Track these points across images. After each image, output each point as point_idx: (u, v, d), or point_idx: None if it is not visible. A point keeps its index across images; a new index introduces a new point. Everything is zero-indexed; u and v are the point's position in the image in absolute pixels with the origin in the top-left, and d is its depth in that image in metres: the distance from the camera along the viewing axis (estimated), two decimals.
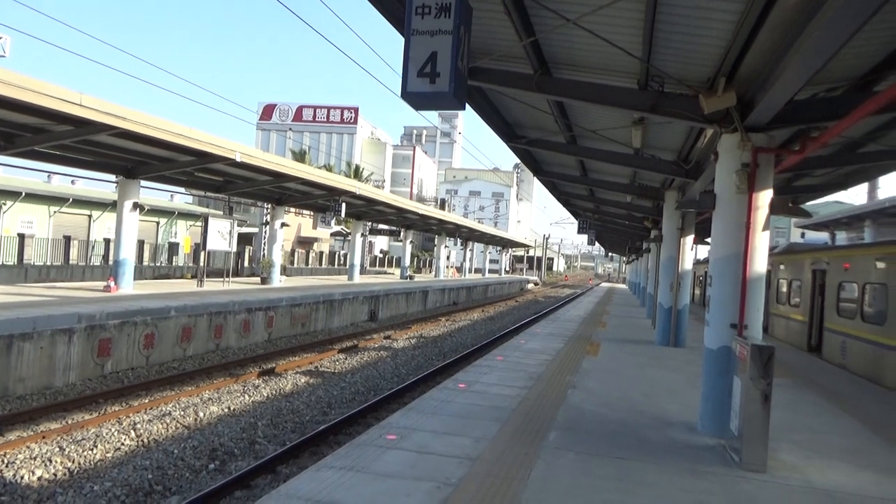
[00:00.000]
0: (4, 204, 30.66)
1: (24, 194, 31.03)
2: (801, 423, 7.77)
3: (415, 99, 4.30)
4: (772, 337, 18.00)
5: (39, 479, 7.27)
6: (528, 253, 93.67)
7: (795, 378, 10.96)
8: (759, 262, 6.61)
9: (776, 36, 5.41)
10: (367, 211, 31.18)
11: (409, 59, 4.25)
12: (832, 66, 5.54)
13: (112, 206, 30.49)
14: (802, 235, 45.84)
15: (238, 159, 16.23)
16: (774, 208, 6.79)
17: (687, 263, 14.46)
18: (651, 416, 7.62)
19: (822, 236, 36.32)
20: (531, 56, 7.04)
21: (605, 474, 5.38)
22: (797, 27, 4.93)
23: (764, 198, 6.60)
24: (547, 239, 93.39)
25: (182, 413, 9.96)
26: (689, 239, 14.41)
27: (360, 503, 4.48)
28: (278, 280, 25.40)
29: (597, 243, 45.75)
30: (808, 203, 16.78)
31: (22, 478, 7.20)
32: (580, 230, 26.49)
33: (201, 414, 10.03)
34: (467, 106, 6.90)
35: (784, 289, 18.09)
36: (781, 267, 18.16)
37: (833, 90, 6.76)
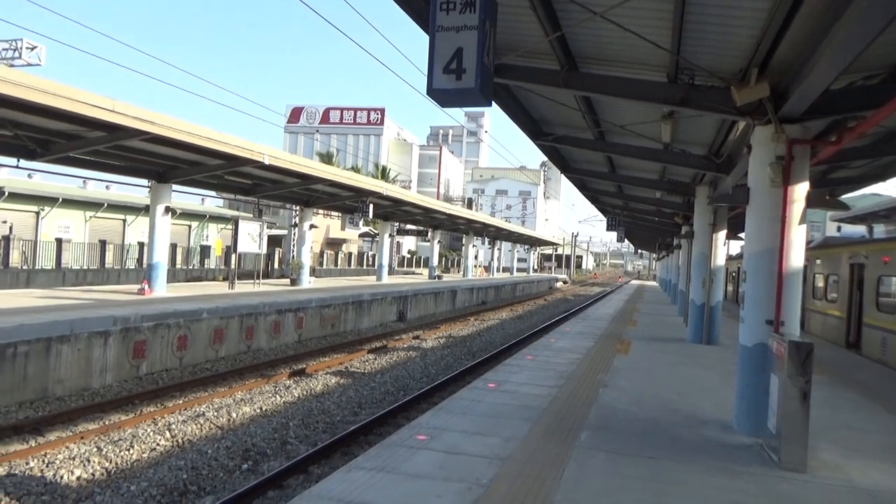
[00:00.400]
0: (42, 210, 31.47)
1: (61, 200, 31.83)
2: (841, 421, 7.57)
3: (441, 96, 4.27)
4: (808, 333, 17.59)
5: (78, 478, 7.42)
6: (556, 251, 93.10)
7: (833, 375, 10.69)
8: (796, 257, 6.45)
9: (809, 25, 5.26)
10: (394, 211, 31.28)
11: (435, 55, 4.22)
12: (868, 53, 5.36)
13: (145, 210, 31.07)
14: (839, 229, 44.71)
15: (266, 162, 16.40)
16: (811, 201, 6.62)
17: (719, 259, 14.20)
18: (684, 414, 7.48)
19: (860, 230, 35.38)
20: (557, 51, 6.96)
21: (638, 474, 5.29)
22: (830, 16, 4.79)
23: (800, 191, 6.43)
24: (575, 237, 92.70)
25: (215, 414, 10.08)
26: (722, 234, 14.15)
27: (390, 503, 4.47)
28: (307, 281, 25.61)
29: (626, 240, 45.26)
30: (844, 196, 16.36)
31: (62, 477, 7.35)
32: (609, 227, 26.22)
33: (234, 415, 10.14)
34: (493, 104, 6.86)
35: (820, 284, 17.67)
36: (817, 262, 17.73)
37: (870, 78, 6.55)
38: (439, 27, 4.22)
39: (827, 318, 16.93)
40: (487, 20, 4.19)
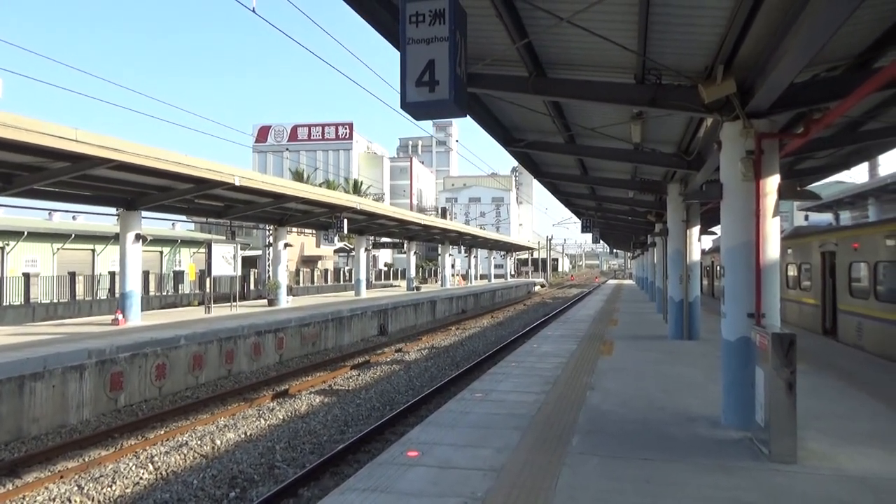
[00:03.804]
0: (7, 244, 30.70)
1: (26, 233, 31.09)
2: (826, 409, 7.65)
3: (415, 109, 4.23)
4: (785, 322, 17.78)
5: None
6: (532, 255, 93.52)
7: (813, 363, 10.83)
8: (772, 249, 6.53)
9: (773, 20, 5.34)
10: (368, 225, 31.14)
11: (407, 69, 4.18)
12: (831, 45, 5.46)
13: (114, 238, 30.50)
14: (806, 218, 45.58)
15: (237, 183, 16.21)
16: (783, 193, 6.71)
17: (695, 255, 14.36)
18: (673, 412, 7.51)
19: (826, 217, 36.14)
20: (525, 58, 6.98)
21: (633, 476, 5.27)
22: (794, 10, 4.87)
23: (771, 184, 6.52)
24: (550, 240, 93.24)
25: (199, 442, 9.87)
26: (696, 230, 14.32)
27: None
28: (285, 301, 25.33)
29: (601, 241, 45.63)
30: (811, 185, 16.67)
31: None
32: (584, 229, 26.39)
33: (218, 442, 9.94)
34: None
35: (793, 273, 17.96)
36: (789, 251, 18.03)
37: (833, 69, 6.68)
38: (409, 40, 4.18)
39: (802, 306, 17.20)
40: (458, 31, 4.17)
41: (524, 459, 5.77)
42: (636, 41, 6.25)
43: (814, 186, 14.17)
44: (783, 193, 6.66)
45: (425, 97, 4.11)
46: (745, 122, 6.40)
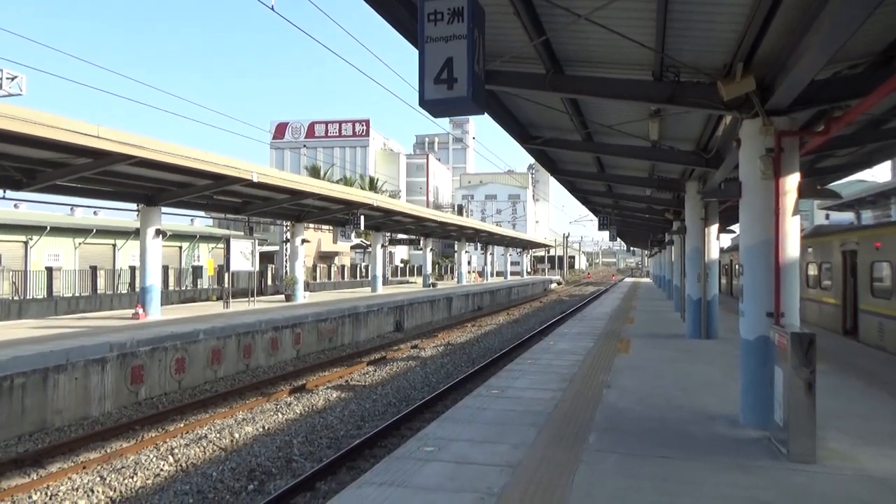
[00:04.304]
0: (31, 239, 31.22)
1: (49, 228, 31.59)
2: (846, 409, 7.58)
3: (433, 107, 4.25)
4: (804, 322, 17.63)
5: None
6: (548, 253, 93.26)
7: (834, 363, 10.73)
8: (792, 248, 6.48)
9: (793, 17, 5.30)
10: (385, 222, 31.25)
11: (425, 67, 4.21)
12: (852, 42, 5.40)
13: (135, 234, 30.86)
14: (827, 217, 45.03)
15: (255, 179, 16.35)
16: (803, 192, 6.65)
17: (713, 253, 14.26)
18: (690, 410, 7.48)
19: (848, 216, 35.68)
20: (543, 55, 6.98)
21: (650, 474, 5.27)
22: (814, 7, 4.83)
23: (791, 182, 6.47)
24: (567, 238, 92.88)
25: (218, 435, 9.99)
26: (714, 228, 14.21)
27: None
28: (302, 296, 25.51)
29: (618, 238, 45.38)
30: (832, 184, 16.48)
31: None
32: (601, 227, 26.27)
33: (236, 435, 10.06)
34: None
35: (814, 272, 17.76)
36: (809, 250, 17.83)
37: (855, 67, 6.60)
38: (428, 38, 4.21)
39: (822, 305, 17.01)
40: (476, 28, 4.19)
41: (541, 456, 5.79)
42: (654, 38, 6.22)
43: (835, 185, 14.02)
44: (803, 192, 6.60)
45: (444, 95, 4.14)
46: (764, 120, 6.35)
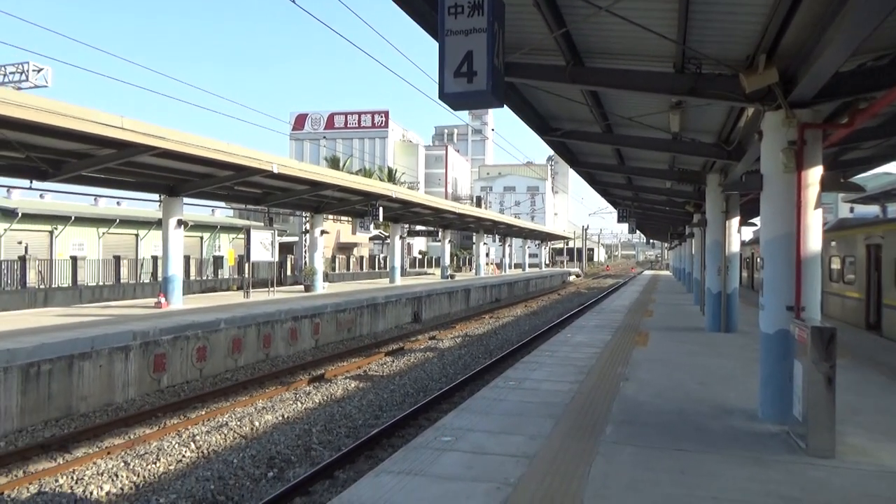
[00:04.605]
0: (56, 228, 31.77)
1: (73, 218, 32.14)
2: (867, 404, 7.50)
3: (453, 100, 4.27)
4: (827, 316, 17.45)
5: (107, 493, 7.50)
6: (567, 245, 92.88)
7: (856, 358, 10.61)
8: (813, 242, 6.42)
9: (816, 8, 5.23)
10: (403, 213, 31.34)
11: (445, 60, 4.22)
12: (877, 34, 5.30)
13: (157, 224, 31.30)
14: (851, 210, 44.33)
15: (275, 171, 16.48)
16: (826, 185, 6.58)
17: (734, 246, 14.13)
18: (709, 404, 7.45)
19: (873, 210, 35.05)
20: (563, 47, 6.95)
21: (667, 467, 5.28)
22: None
23: (813, 175, 6.40)
24: (586, 230, 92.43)
25: (238, 423, 10.15)
26: (735, 221, 14.08)
27: None
28: (321, 287, 25.70)
29: (637, 231, 45.08)
30: (856, 176, 16.23)
31: (91, 493, 7.43)
32: (620, 219, 26.13)
33: (257, 423, 10.21)
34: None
35: (837, 266, 17.52)
36: (832, 244, 17.59)
37: (880, 59, 6.49)
38: (448, 31, 4.22)
39: (845, 300, 16.79)
40: (496, 22, 4.19)
41: (557, 447, 5.82)
42: (675, 30, 6.17)
43: (860, 178, 13.84)
44: (826, 185, 6.52)
45: (463, 88, 4.15)
46: (787, 112, 6.28)
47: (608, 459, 5.46)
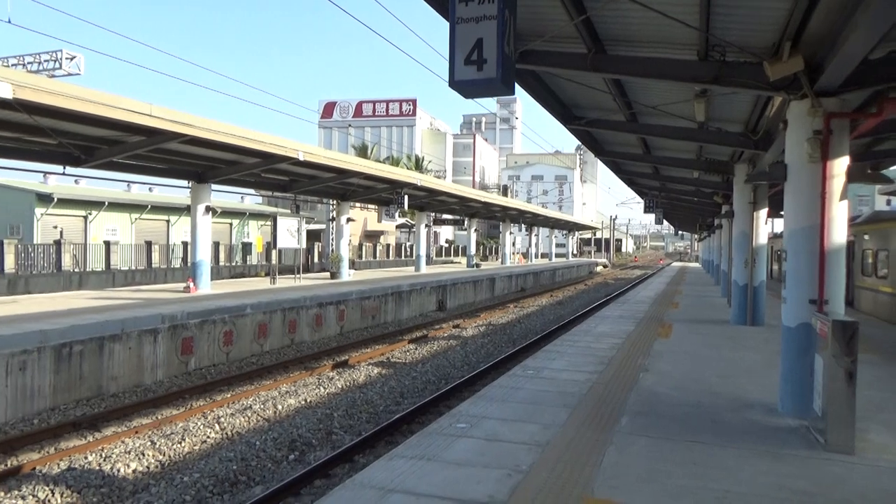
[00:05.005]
0: (90, 213, 32.52)
1: (107, 203, 32.85)
2: (893, 401, 7.36)
3: (463, 87, 4.28)
4: (858, 311, 17.09)
5: (134, 471, 7.72)
6: (595, 235, 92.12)
7: (884, 354, 10.39)
8: (838, 234, 6.30)
9: None
10: (429, 202, 31.38)
11: (455, 47, 4.22)
12: None
13: (187, 210, 31.86)
14: (888, 202, 43.20)
15: (301, 158, 16.63)
16: (853, 176, 6.44)
17: (761, 238, 13.90)
18: (728, 397, 7.39)
19: None
20: (584, 34, 6.88)
21: (680, 459, 5.26)
22: None
23: (839, 166, 6.27)
24: (614, 220, 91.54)
25: (262, 406, 10.34)
26: (763, 212, 13.84)
27: (431, 490, 4.55)
28: (347, 274, 25.93)
29: (666, 222, 44.51)
30: (893, 168, 15.78)
31: (118, 471, 7.66)
32: (646, 209, 25.81)
33: (280, 407, 10.39)
34: (523, 91, 6.76)
35: (870, 260, 17.12)
36: (866, 237, 17.18)
37: None
38: (459, 19, 4.22)
39: (878, 295, 16.41)
40: (506, 9, 4.18)
41: (571, 436, 5.83)
42: (698, 17, 6.07)
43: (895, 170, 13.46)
44: (852, 176, 6.39)
45: (473, 76, 4.16)
46: (813, 101, 6.16)
47: (621, 450, 5.47)
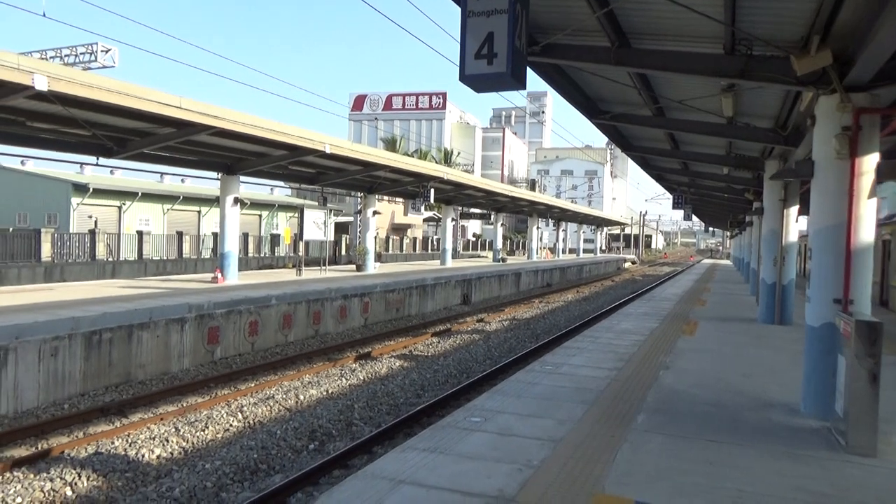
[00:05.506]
0: (124, 204, 33.23)
1: (140, 194, 33.54)
2: None
3: (473, 81, 4.27)
4: (893, 311, 16.66)
5: (158, 457, 7.90)
6: (624, 231, 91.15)
7: None
8: (866, 233, 6.15)
9: None
10: (456, 195, 31.36)
11: (466, 41, 4.21)
12: None
13: (217, 201, 32.39)
14: None
15: (327, 150, 16.76)
16: (883, 174, 6.28)
17: (791, 236, 13.61)
18: (749, 397, 7.28)
19: None
20: (606, 28, 6.81)
21: (695, 457, 5.21)
22: None
23: (868, 163, 6.11)
24: (643, 216, 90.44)
25: (284, 396, 10.48)
26: (794, 210, 13.54)
27: (441, 483, 4.58)
28: (373, 267, 26.08)
29: (697, 218, 43.85)
30: None
31: (143, 456, 7.84)
32: (675, 205, 25.46)
33: (301, 397, 10.52)
34: (547, 86, 6.69)
35: None
36: None
37: None
38: (470, 13, 4.21)
39: None
40: (518, 3, 4.15)
41: (586, 432, 5.81)
42: (724, 10, 5.96)
43: None
44: (882, 174, 6.23)
45: (483, 70, 4.14)
46: (842, 96, 6.01)
47: (636, 447, 5.43)
